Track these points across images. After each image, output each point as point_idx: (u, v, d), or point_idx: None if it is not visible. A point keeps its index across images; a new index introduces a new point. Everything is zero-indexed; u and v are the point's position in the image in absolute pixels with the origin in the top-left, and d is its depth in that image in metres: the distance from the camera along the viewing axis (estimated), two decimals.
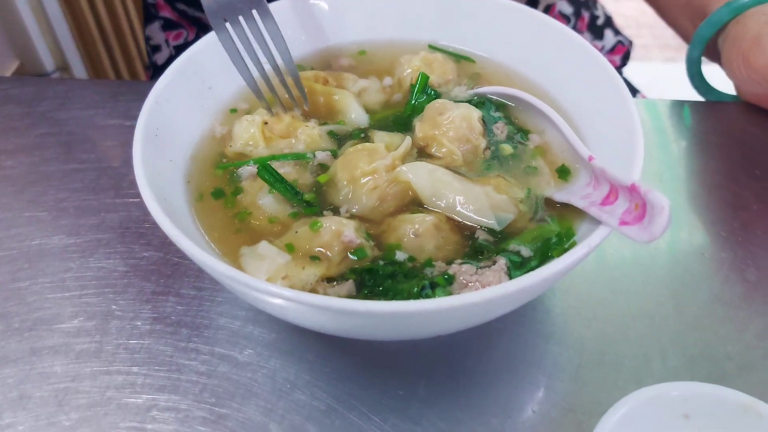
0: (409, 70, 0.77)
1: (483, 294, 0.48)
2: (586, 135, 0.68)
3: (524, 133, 0.71)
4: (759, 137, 0.86)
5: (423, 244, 0.60)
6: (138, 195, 0.76)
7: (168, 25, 1.26)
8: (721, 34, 0.93)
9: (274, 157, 0.68)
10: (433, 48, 0.82)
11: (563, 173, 0.66)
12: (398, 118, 0.74)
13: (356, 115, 0.74)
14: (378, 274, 0.58)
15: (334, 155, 0.69)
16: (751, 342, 0.64)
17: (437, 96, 0.74)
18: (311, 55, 0.83)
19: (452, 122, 0.68)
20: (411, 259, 0.59)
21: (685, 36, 1.05)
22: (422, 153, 0.69)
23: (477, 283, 0.56)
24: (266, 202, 0.64)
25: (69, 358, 0.63)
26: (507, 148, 0.69)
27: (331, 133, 0.71)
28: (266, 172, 0.65)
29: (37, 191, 0.79)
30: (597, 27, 1.35)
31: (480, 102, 0.74)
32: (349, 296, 0.57)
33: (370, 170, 0.64)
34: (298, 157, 0.68)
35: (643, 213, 0.51)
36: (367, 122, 0.74)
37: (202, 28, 1.24)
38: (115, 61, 2.25)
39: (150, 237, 0.74)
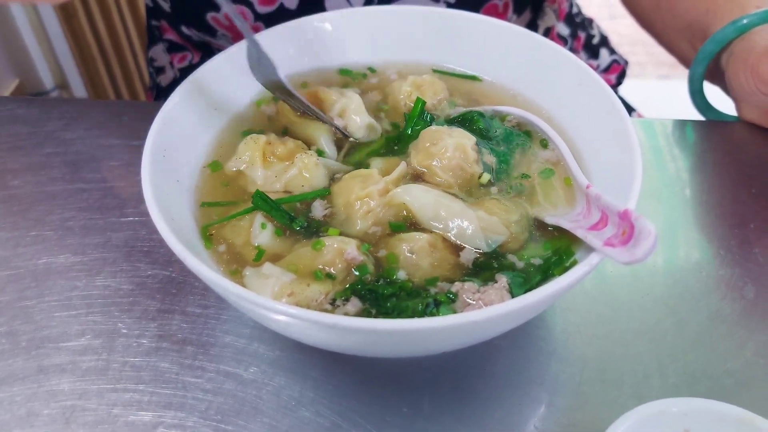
0: (402, 96, 0.78)
1: (488, 312, 0.49)
2: (584, 157, 0.70)
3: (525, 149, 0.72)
4: (756, 155, 0.87)
5: (419, 263, 0.61)
6: (143, 214, 0.79)
7: (172, 48, 1.25)
8: (724, 52, 0.93)
9: (281, 200, 0.67)
10: (437, 72, 0.83)
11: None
12: (393, 142, 0.74)
13: (327, 149, 0.73)
14: (381, 294, 0.58)
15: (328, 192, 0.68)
16: (750, 358, 0.65)
17: (432, 120, 0.75)
18: (313, 74, 0.83)
19: (446, 152, 0.68)
20: (410, 279, 0.60)
21: (683, 59, 1.05)
22: (417, 180, 0.69)
23: (480, 301, 0.57)
24: (262, 239, 0.64)
25: (76, 375, 0.64)
26: (499, 171, 0.70)
27: (327, 165, 0.71)
28: (260, 200, 0.65)
29: (43, 210, 0.80)
30: (592, 46, 1.37)
31: (478, 113, 0.74)
32: (356, 314, 0.57)
33: (364, 194, 0.65)
34: (304, 198, 0.68)
35: (629, 238, 0.52)
36: (336, 156, 0.73)
37: (207, 52, 1.23)
38: (115, 80, 2.27)
39: (155, 255, 0.74)
